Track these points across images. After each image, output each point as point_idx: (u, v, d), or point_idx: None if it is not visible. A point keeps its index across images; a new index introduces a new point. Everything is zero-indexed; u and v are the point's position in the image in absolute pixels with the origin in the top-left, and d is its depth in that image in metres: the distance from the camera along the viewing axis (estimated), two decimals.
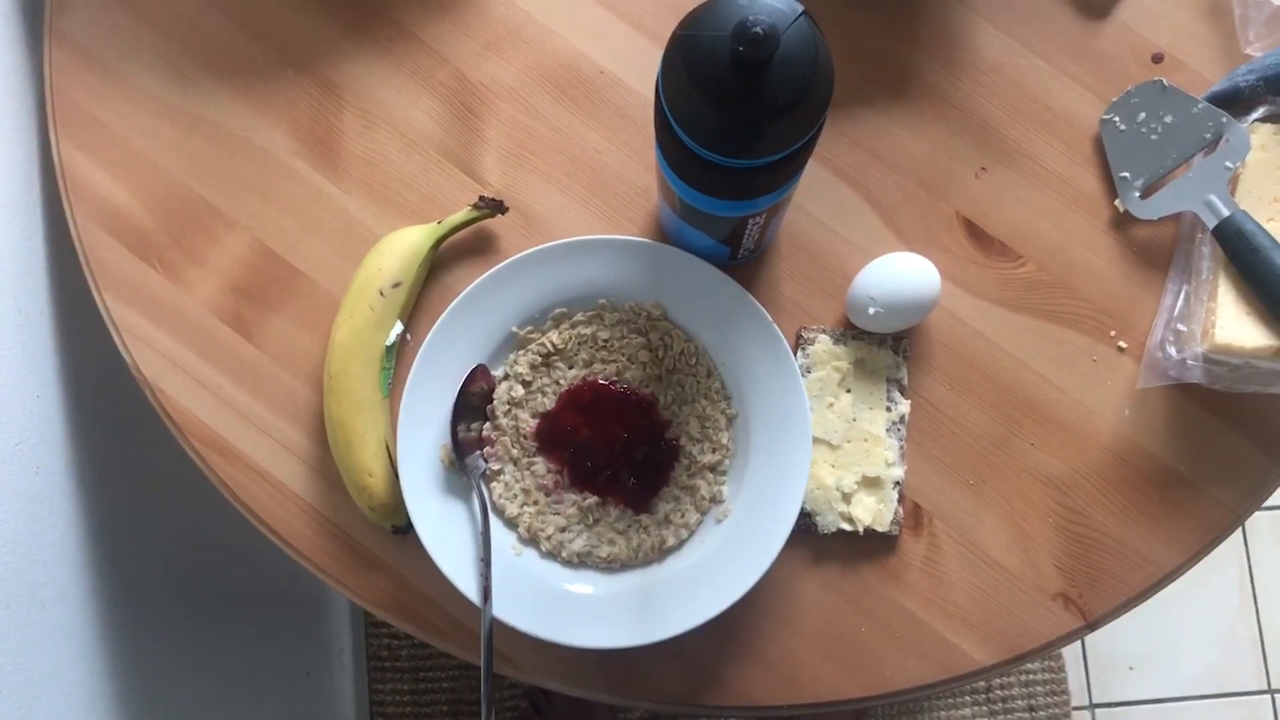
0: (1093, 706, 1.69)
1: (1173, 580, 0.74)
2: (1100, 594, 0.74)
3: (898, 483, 0.75)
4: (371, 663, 1.63)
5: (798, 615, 0.75)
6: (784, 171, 0.58)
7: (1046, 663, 1.67)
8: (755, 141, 0.54)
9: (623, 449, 0.72)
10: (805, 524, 0.74)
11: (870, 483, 0.74)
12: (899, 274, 0.73)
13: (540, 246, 0.72)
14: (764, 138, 0.54)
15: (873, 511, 0.74)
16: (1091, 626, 0.74)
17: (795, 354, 0.75)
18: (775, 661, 0.75)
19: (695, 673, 0.74)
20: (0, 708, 0.69)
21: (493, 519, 0.73)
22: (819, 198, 0.78)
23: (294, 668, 1.28)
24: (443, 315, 0.72)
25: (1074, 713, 1.67)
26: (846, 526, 0.74)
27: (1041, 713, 1.64)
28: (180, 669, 0.97)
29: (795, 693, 0.74)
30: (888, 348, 0.76)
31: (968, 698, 1.66)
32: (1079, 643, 1.71)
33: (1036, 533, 0.75)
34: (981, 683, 1.61)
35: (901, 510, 0.74)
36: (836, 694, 0.74)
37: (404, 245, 0.75)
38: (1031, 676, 1.67)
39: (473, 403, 0.74)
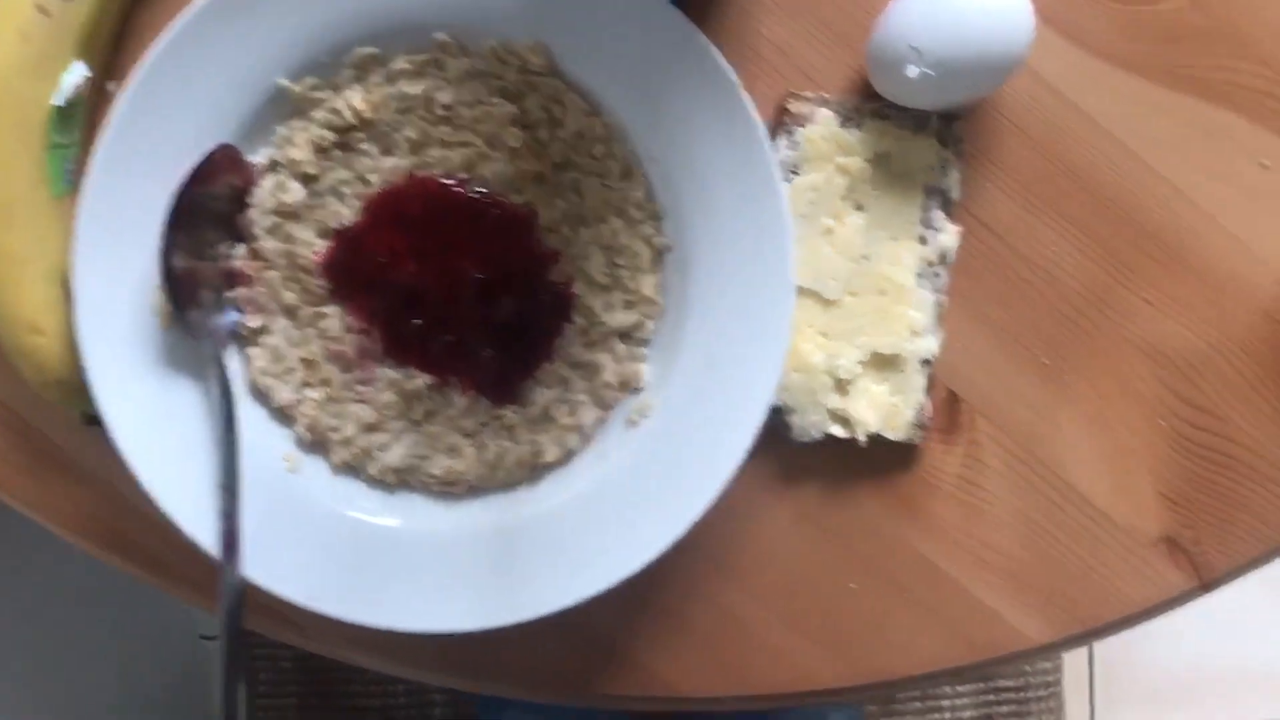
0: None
1: None
2: (1226, 540, 0.51)
3: (927, 360, 0.48)
4: None
5: (752, 563, 0.51)
6: None
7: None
8: None
9: (476, 298, 0.47)
10: (772, 424, 0.48)
11: (883, 362, 0.48)
12: (963, 5, 0.45)
13: None
14: None
15: (883, 407, 0.48)
16: (1207, 587, 0.51)
17: (775, 140, 0.47)
18: (712, 633, 0.51)
19: (583, 647, 0.51)
20: None
21: (249, 410, 0.46)
22: None
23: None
24: (156, 48, 0.43)
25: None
26: (839, 431, 0.48)
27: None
28: None
29: (742, 680, 0.51)
30: (930, 134, 0.48)
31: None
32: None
33: (1138, 442, 0.51)
34: None
35: (930, 405, 0.49)
36: (807, 682, 0.51)
37: None
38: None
39: (212, 210, 0.45)
